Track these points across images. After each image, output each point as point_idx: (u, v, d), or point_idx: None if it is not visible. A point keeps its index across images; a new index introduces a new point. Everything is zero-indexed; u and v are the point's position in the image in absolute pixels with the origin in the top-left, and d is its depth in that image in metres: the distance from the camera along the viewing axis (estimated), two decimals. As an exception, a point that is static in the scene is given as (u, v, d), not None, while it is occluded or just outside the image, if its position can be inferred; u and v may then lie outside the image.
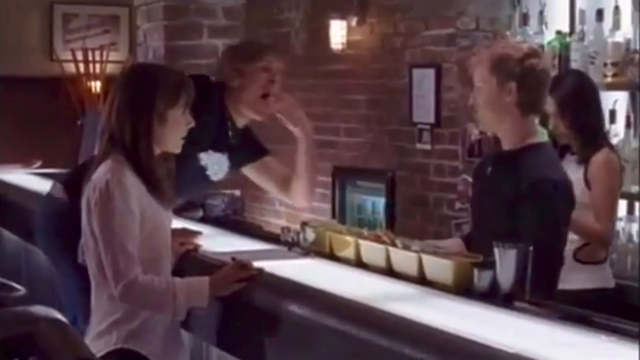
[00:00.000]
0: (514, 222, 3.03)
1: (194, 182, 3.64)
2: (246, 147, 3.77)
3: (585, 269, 3.93)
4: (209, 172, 3.68)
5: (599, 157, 3.92)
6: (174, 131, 3.03)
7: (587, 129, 3.97)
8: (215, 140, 3.66)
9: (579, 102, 3.98)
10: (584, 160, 3.94)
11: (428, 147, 5.87)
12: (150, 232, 2.95)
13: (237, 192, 4.40)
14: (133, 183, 2.94)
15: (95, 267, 2.96)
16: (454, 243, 3.47)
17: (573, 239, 3.85)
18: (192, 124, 3.10)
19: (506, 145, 3.22)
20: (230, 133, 3.69)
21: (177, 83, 3.04)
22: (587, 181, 3.91)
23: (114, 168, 2.94)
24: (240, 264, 2.96)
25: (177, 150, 3.14)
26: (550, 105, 3.98)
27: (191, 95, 3.06)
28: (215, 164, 3.68)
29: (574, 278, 3.82)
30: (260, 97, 3.63)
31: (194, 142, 3.31)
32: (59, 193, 3.82)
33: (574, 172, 3.83)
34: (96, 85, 8.03)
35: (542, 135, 4.58)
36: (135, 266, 2.86)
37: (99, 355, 2.85)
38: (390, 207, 6.18)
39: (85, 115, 7.80)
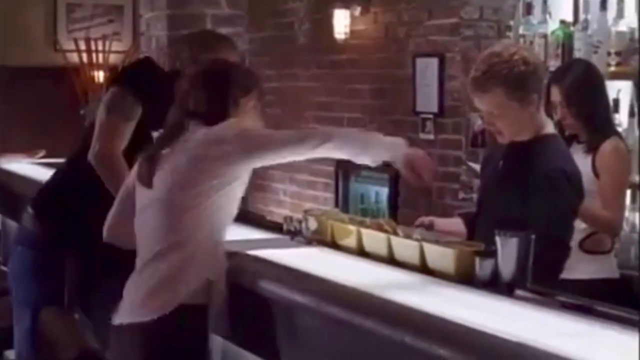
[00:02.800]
0: (524, 212, 3.02)
1: None
2: None
3: (590, 259, 3.93)
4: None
5: (607, 146, 3.91)
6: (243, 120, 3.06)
7: (595, 118, 3.95)
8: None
9: (586, 91, 3.96)
10: (592, 149, 3.93)
11: (431, 136, 5.86)
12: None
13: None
14: None
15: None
16: (452, 222, 3.47)
17: (579, 229, 3.85)
18: (261, 124, 3.14)
19: (518, 138, 3.19)
20: None
21: (250, 74, 3.18)
22: (595, 170, 3.90)
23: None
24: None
25: None
26: (555, 94, 3.97)
27: (263, 93, 3.14)
28: None
29: (579, 268, 3.82)
30: None
31: (151, 128, 3.34)
32: (30, 222, 3.66)
33: (581, 161, 3.82)
34: (99, 75, 8.03)
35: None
36: None
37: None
38: (393, 197, 6.18)
39: (88, 105, 7.79)
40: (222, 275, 2.96)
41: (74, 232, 3.51)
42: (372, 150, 3.03)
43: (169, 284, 2.91)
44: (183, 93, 3.08)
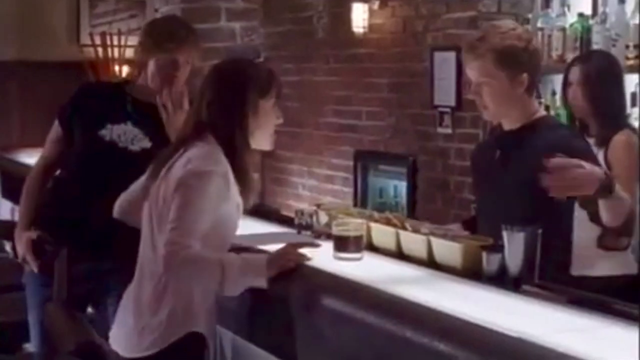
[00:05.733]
0: (535, 197, 2.92)
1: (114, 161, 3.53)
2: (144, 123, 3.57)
3: (608, 255, 3.88)
4: (121, 145, 3.51)
5: (620, 138, 3.87)
6: (265, 123, 2.97)
7: (608, 105, 3.92)
8: (113, 112, 3.56)
9: (606, 76, 3.95)
10: (604, 142, 3.89)
11: (449, 130, 5.84)
12: (218, 223, 2.86)
13: (255, 176, 4.40)
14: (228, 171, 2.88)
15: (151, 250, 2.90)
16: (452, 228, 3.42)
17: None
18: (281, 120, 3.04)
19: (509, 125, 3.15)
20: (127, 105, 3.57)
21: (268, 74, 3.01)
22: (607, 162, 3.86)
23: (212, 151, 2.87)
24: (296, 245, 2.89)
25: (268, 147, 3.07)
26: (575, 73, 3.95)
27: (280, 89, 3.02)
28: (122, 134, 3.54)
29: (597, 265, 3.79)
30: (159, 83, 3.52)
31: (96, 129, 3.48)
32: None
33: None
34: (118, 70, 8.03)
35: (562, 117, 4.53)
36: (192, 239, 2.72)
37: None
38: (411, 191, 6.17)
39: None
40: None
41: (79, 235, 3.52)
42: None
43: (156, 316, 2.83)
44: (197, 99, 2.99)
